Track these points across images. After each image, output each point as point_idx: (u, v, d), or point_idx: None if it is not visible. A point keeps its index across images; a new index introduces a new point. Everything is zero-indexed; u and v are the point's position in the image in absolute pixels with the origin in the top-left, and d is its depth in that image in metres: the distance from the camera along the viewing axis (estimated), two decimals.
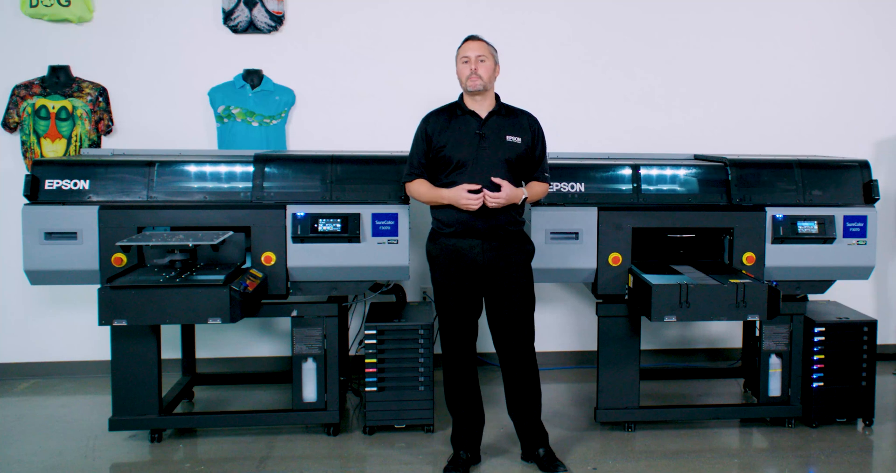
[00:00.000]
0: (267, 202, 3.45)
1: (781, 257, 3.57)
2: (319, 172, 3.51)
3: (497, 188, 3.03)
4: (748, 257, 3.56)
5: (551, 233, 3.52)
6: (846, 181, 3.66)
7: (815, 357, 3.62)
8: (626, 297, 3.54)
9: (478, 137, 3.10)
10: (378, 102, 4.43)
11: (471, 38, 3.15)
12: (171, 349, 4.00)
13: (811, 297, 3.92)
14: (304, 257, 3.42)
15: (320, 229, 3.39)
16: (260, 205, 3.44)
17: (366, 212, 3.44)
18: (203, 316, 3.01)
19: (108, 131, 4.27)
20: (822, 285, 3.68)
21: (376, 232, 3.44)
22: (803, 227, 3.55)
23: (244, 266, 3.40)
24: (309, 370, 3.52)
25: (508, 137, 3.12)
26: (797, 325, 3.64)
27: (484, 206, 3.02)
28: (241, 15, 4.29)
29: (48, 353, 4.40)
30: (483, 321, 3.23)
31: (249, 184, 3.47)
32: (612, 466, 3.27)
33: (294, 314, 3.50)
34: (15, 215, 3.57)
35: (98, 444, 3.46)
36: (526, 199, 3.12)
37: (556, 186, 3.53)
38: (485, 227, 3.06)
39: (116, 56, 4.30)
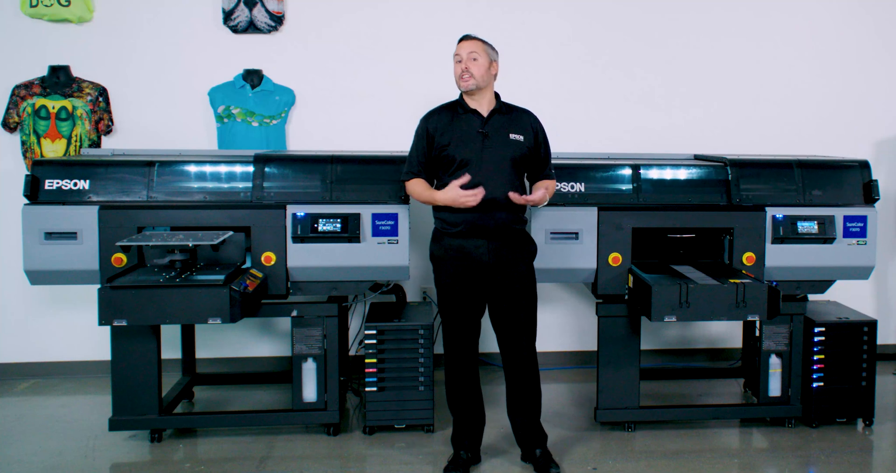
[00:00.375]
0: (267, 202, 3.44)
1: (781, 257, 3.57)
2: (319, 172, 3.51)
3: (505, 196, 3.01)
4: (748, 257, 3.56)
5: (551, 233, 3.52)
6: (846, 181, 3.66)
7: (815, 357, 3.63)
8: (626, 297, 3.54)
9: (481, 136, 3.10)
10: (378, 102, 4.43)
11: (464, 37, 3.13)
12: (171, 349, 4.00)
13: (811, 297, 3.91)
14: (304, 257, 3.42)
15: (320, 229, 3.39)
16: (260, 205, 3.44)
17: (366, 212, 3.44)
18: (203, 316, 3.02)
19: (108, 131, 4.27)
20: (822, 285, 3.68)
21: (376, 232, 3.44)
22: (803, 227, 3.55)
23: (244, 266, 3.40)
24: (309, 370, 3.52)
25: (512, 136, 3.12)
26: (797, 325, 3.64)
27: (488, 205, 3.01)
28: (241, 15, 4.29)
29: (48, 353, 4.40)
30: (484, 321, 3.23)
31: (249, 184, 3.47)
32: (612, 466, 3.27)
33: (294, 314, 3.50)
34: (15, 215, 3.57)
35: (98, 444, 3.46)
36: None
37: (557, 186, 3.53)
38: (491, 225, 3.06)
39: (116, 56, 4.30)
